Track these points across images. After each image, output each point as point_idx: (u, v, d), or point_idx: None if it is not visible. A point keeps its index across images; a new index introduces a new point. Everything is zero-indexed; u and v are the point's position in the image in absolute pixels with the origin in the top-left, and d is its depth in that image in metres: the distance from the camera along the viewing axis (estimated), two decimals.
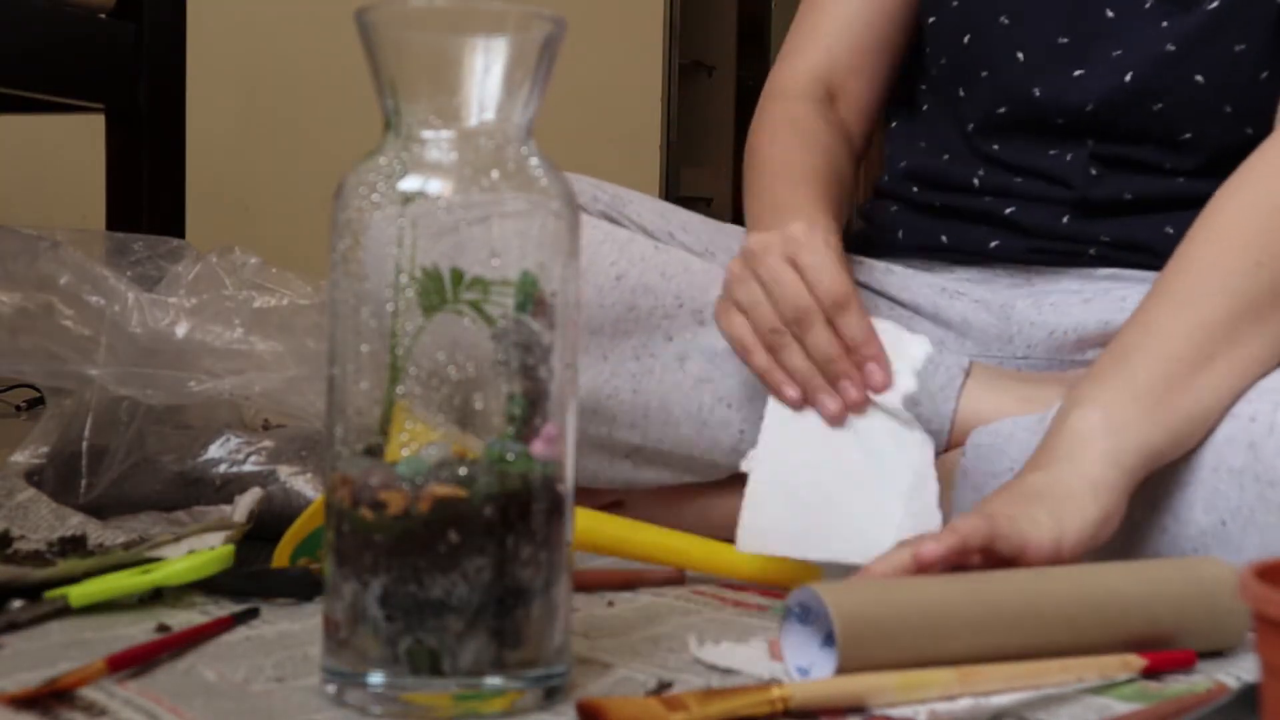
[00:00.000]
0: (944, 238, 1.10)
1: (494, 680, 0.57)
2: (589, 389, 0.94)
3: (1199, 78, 0.98)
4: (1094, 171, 1.03)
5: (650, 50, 3.16)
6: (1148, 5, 1.00)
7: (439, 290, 0.58)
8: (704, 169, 4.18)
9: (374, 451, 0.58)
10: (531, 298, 0.58)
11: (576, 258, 0.61)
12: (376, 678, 0.57)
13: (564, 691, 0.60)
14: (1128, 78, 1.00)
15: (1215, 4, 0.97)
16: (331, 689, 0.59)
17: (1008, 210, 1.07)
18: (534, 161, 0.61)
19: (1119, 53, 1.01)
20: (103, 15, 1.44)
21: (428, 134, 0.59)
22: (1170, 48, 0.99)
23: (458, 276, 0.57)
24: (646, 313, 0.94)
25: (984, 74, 1.06)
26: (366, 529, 0.57)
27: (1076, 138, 1.03)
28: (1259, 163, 0.86)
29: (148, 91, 1.48)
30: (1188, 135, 1.00)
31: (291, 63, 2.69)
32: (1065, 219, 1.05)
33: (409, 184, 0.59)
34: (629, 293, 0.94)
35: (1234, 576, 0.70)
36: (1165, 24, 0.99)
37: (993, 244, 1.08)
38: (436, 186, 0.59)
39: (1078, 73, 1.02)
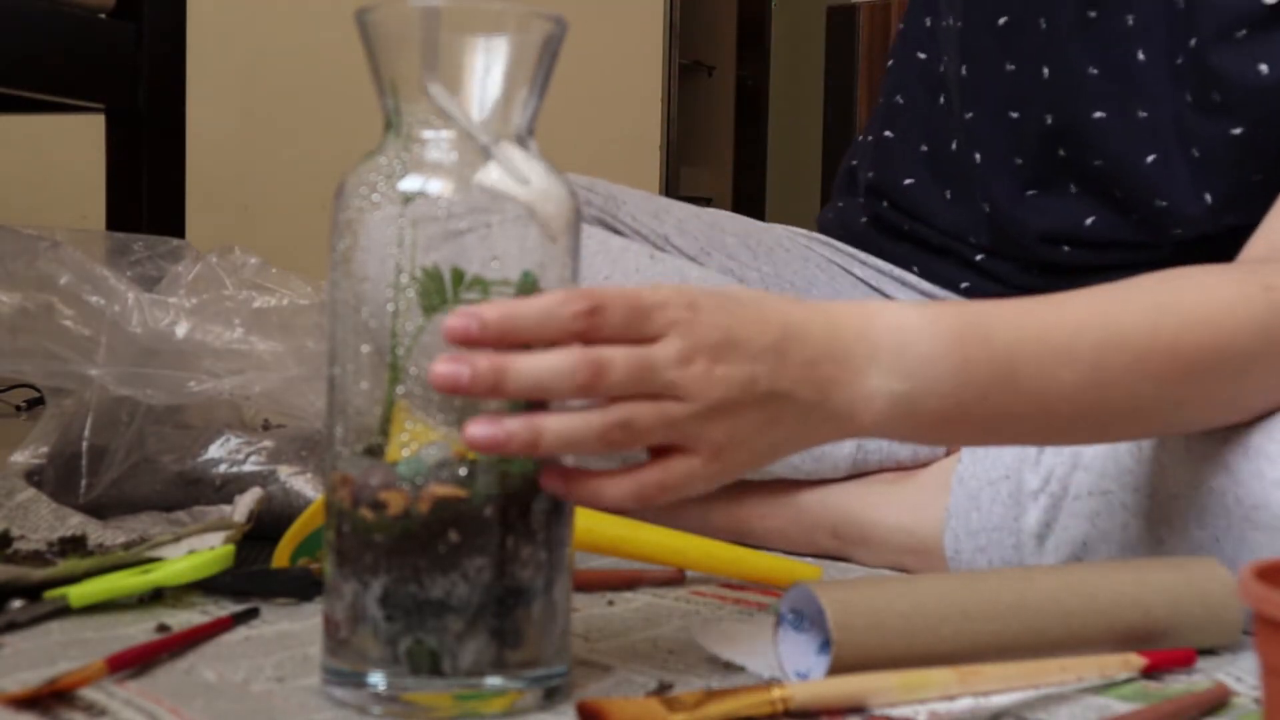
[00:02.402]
0: (915, 268, 1.11)
1: (494, 680, 0.57)
2: (580, 401, 0.93)
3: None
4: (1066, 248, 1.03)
5: (650, 50, 3.16)
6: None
7: (439, 291, 0.57)
8: (704, 169, 4.18)
9: (374, 452, 0.58)
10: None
11: (576, 258, 0.61)
12: (376, 678, 0.57)
13: (564, 691, 0.60)
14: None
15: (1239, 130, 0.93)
16: (333, 689, 0.59)
17: (978, 258, 1.07)
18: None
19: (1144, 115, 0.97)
20: (103, 15, 1.44)
21: (428, 134, 0.59)
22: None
23: (458, 276, 0.57)
24: None
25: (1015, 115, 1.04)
26: (367, 529, 0.57)
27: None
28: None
29: (148, 91, 1.48)
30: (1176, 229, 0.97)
31: (291, 63, 2.69)
32: (1035, 272, 1.05)
33: (409, 184, 0.58)
34: None
35: (1228, 574, 0.70)
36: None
37: (964, 285, 1.09)
38: (436, 186, 0.58)
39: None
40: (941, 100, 1.09)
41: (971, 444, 0.71)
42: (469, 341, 0.54)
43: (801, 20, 4.48)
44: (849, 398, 0.62)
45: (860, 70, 4.37)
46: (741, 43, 4.43)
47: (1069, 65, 0.98)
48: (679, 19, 3.29)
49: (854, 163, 1.17)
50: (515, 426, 0.55)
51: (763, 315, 0.60)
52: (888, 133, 1.13)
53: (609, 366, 0.56)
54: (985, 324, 0.65)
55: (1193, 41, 0.93)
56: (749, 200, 4.26)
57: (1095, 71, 0.97)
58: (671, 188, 3.18)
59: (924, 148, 1.10)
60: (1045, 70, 1.00)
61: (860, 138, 1.18)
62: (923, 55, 1.11)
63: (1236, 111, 0.91)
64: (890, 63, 1.15)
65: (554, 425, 0.56)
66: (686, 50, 3.54)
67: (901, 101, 1.12)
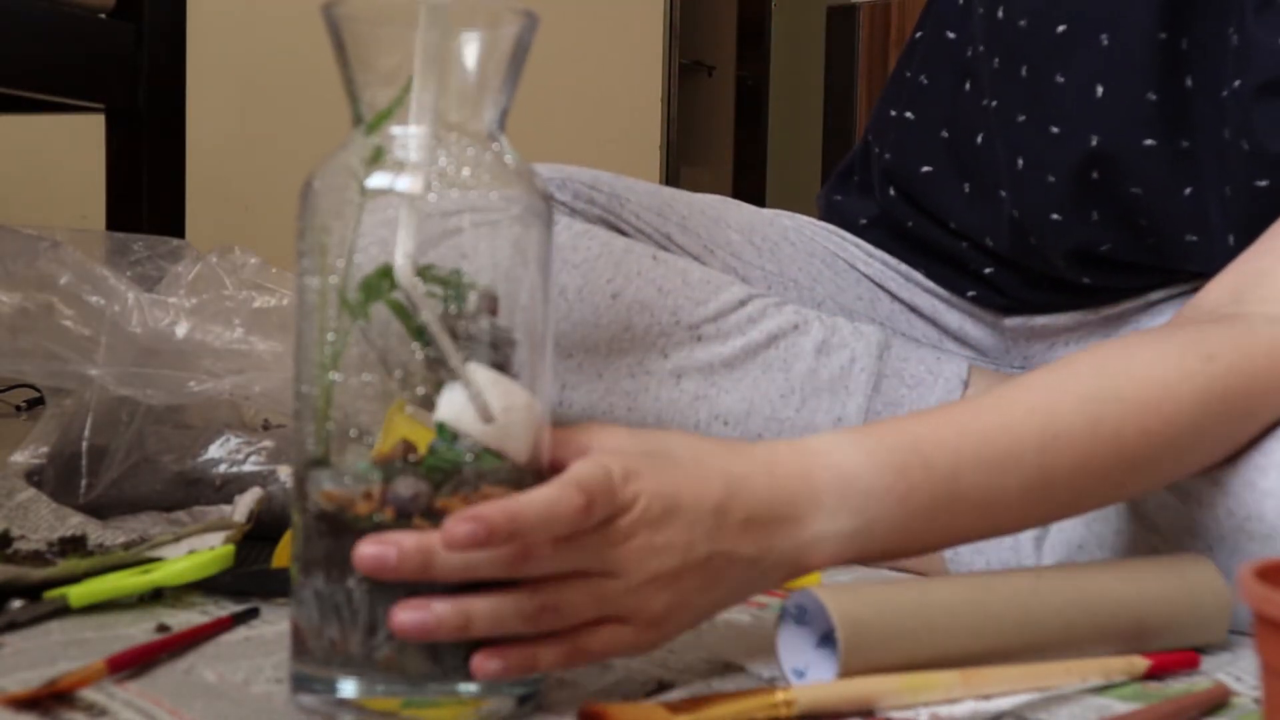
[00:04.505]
0: (921, 270, 1.10)
1: (468, 686, 0.57)
2: (583, 407, 0.93)
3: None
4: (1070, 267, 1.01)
5: (650, 50, 3.16)
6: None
7: (367, 292, 0.56)
8: (704, 169, 4.18)
9: (323, 461, 0.57)
10: (462, 295, 0.56)
11: (549, 253, 0.60)
12: (347, 685, 0.56)
13: (537, 698, 0.60)
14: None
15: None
16: (301, 697, 0.58)
17: (986, 271, 1.06)
18: (507, 159, 0.59)
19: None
20: (103, 15, 1.44)
21: (396, 130, 0.58)
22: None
23: (384, 275, 0.56)
24: (643, 331, 0.93)
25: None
26: None
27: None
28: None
29: (148, 91, 1.48)
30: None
31: (291, 63, 2.68)
32: (1044, 288, 1.05)
33: (376, 181, 0.57)
34: (625, 311, 0.92)
35: (1217, 574, 0.71)
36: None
37: (971, 293, 1.08)
38: (404, 184, 0.57)
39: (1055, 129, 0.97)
40: (967, 87, 1.05)
41: (922, 554, 0.72)
42: (381, 571, 0.53)
43: (801, 20, 4.48)
44: (796, 544, 0.62)
45: (860, 70, 4.37)
46: (741, 43, 4.43)
47: (1128, 89, 0.93)
48: (679, 19, 3.29)
49: (870, 138, 1.13)
50: (444, 611, 0.54)
51: (703, 474, 0.60)
52: (909, 113, 1.09)
53: (537, 557, 0.55)
54: (924, 450, 0.65)
55: (1238, 82, 0.89)
56: (749, 200, 4.25)
57: (1154, 97, 0.93)
58: (671, 187, 3.18)
59: (944, 133, 1.06)
60: (1099, 89, 0.94)
61: (877, 111, 1.13)
62: (952, 35, 1.07)
63: (1263, 165, 0.88)
64: (918, 34, 1.10)
65: (482, 610, 0.55)
66: (686, 50, 3.54)
67: (926, 82, 1.08)
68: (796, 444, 0.64)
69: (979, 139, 1.04)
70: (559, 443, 0.59)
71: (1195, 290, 0.85)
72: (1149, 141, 0.93)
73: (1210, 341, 0.73)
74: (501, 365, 0.57)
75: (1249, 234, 0.85)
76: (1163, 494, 0.76)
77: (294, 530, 0.59)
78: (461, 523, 0.53)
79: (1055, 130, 0.96)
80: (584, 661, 0.58)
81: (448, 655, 0.55)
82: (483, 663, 0.55)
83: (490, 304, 0.57)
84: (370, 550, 0.53)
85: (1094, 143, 0.94)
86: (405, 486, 0.55)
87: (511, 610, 0.55)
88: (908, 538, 0.65)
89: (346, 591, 0.56)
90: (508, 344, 0.57)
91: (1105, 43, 0.94)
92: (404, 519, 0.55)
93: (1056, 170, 0.97)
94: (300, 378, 0.59)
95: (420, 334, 0.56)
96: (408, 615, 0.54)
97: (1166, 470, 0.72)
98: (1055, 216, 0.98)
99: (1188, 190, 0.93)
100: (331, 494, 0.57)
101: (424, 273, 0.56)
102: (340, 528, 0.56)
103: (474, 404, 0.56)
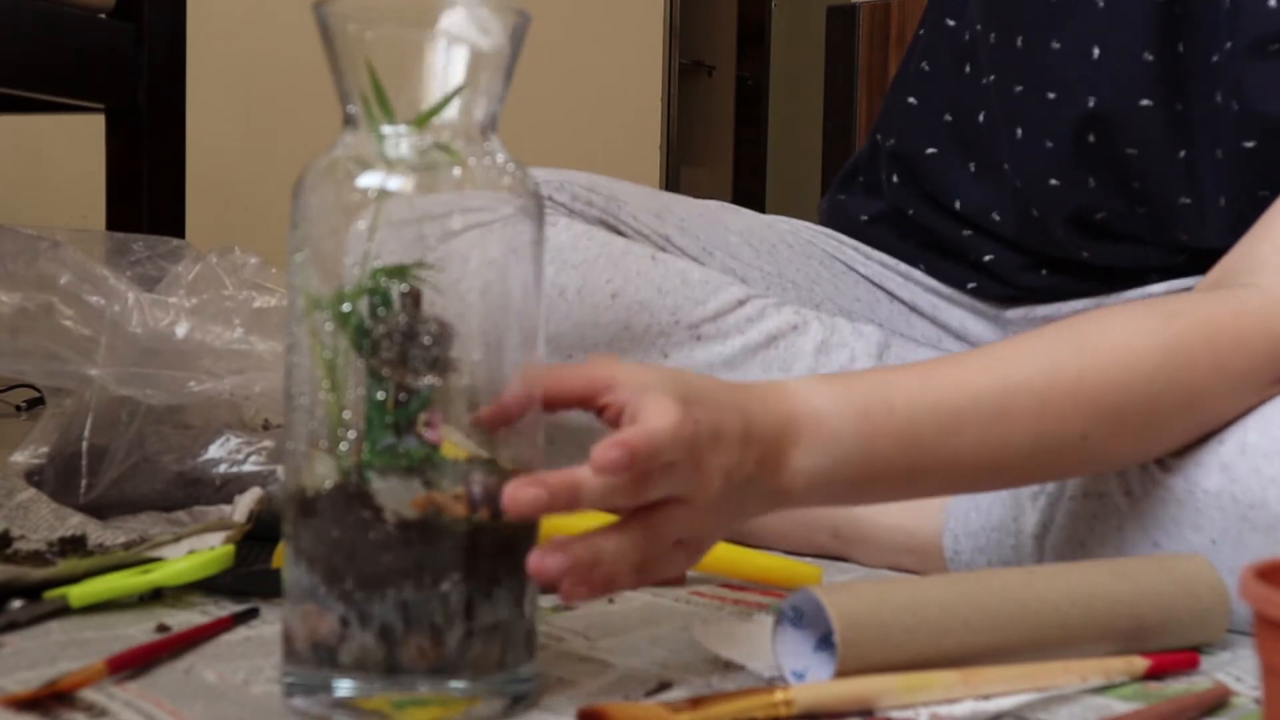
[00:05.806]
0: (921, 266, 1.10)
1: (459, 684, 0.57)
2: None
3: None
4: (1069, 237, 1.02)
5: (650, 50, 3.16)
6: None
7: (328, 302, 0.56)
8: (704, 169, 4.18)
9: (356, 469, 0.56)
10: (385, 295, 0.56)
11: (541, 252, 0.60)
12: (344, 684, 0.56)
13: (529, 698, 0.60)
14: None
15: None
16: (296, 700, 0.57)
17: (986, 258, 1.07)
18: (499, 158, 0.59)
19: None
20: (103, 15, 1.44)
21: (387, 130, 0.57)
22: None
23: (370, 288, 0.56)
24: (642, 331, 0.93)
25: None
26: (513, 536, 0.57)
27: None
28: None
29: (148, 91, 1.48)
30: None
31: (291, 63, 2.68)
32: (1044, 271, 1.05)
33: (367, 181, 0.57)
34: (624, 311, 0.93)
35: (1216, 574, 0.71)
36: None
37: (971, 285, 1.08)
38: (396, 184, 0.56)
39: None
40: (968, 69, 1.06)
41: (890, 500, 0.74)
42: (537, 510, 0.55)
43: (801, 20, 4.48)
44: (780, 476, 0.65)
45: (860, 70, 4.37)
46: (741, 43, 4.44)
47: (1125, 49, 0.95)
48: (679, 19, 3.29)
49: (878, 136, 1.14)
50: (580, 551, 0.57)
51: (722, 404, 0.62)
52: (911, 99, 1.10)
53: (653, 483, 0.58)
54: (888, 395, 0.68)
55: (1229, 44, 0.91)
56: (749, 200, 4.25)
57: (1150, 58, 0.94)
58: (671, 188, 3.18)
59: (947, 116, 1.08)
60: (1096, 51, 0.96)
61: (885, 105, 1.15)
62: (951, 22, 1.08)
63: (1251, 125, 0.90)
64: (920, 31, 1.12)
65: (609, 545, 0.58)
66: (686, 50, 3.54)
67: (928, 68, 1.10)
68: (778, 385, 0.67)
69: (981, 118, 1.05)
70: (583, 374, 0.61)
71: (1194, 283, 0.85)
72: (1145, 102, 0.95)
73: (1176, 304, 0.76)
74: (439, 359, 0.56)
75: (1240, 197, 0.87)
76: (1163, 487, 0.76)
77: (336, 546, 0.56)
78: (611, 449, 0.55)
79: (1052, 96, 0.98)
80: (644, 585, 0.61)
81: (512, 647, 0.57)
82: (572, 588, 0.57)
83: (414, 299, 0.56)
84: (528, 492, 0.54)
85: (1091, 104, 0.96)
86: (483, 483, 0.56)
87: (629, 542, 0.58)
88: (873, 478, 0.68)
89: (441, 596, 0.55)
90: (444, 337, 0.56)
91: (1101, 5, 0.96)
92: (497, 516, 0.55)
93: (1054, 135, 0.99)
94: (298, 389, 0.58)
95: (363, 344, 0.56)
96: (552, 559, 0.56)
97: (1134, 426, 0.73)
98: (1053, 182, 0.99)
99: (1181, 153, 0.95)
100: (424, 500, 0.55)
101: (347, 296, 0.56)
102: (436, 533, 0.55)
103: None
